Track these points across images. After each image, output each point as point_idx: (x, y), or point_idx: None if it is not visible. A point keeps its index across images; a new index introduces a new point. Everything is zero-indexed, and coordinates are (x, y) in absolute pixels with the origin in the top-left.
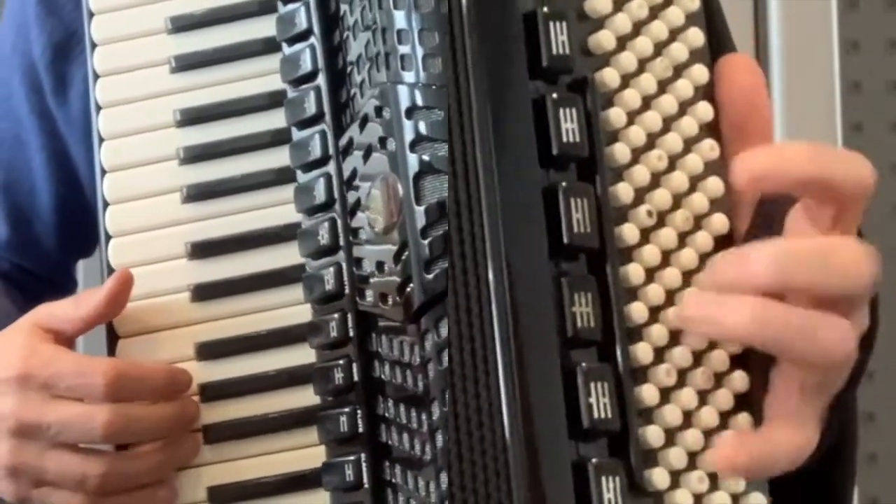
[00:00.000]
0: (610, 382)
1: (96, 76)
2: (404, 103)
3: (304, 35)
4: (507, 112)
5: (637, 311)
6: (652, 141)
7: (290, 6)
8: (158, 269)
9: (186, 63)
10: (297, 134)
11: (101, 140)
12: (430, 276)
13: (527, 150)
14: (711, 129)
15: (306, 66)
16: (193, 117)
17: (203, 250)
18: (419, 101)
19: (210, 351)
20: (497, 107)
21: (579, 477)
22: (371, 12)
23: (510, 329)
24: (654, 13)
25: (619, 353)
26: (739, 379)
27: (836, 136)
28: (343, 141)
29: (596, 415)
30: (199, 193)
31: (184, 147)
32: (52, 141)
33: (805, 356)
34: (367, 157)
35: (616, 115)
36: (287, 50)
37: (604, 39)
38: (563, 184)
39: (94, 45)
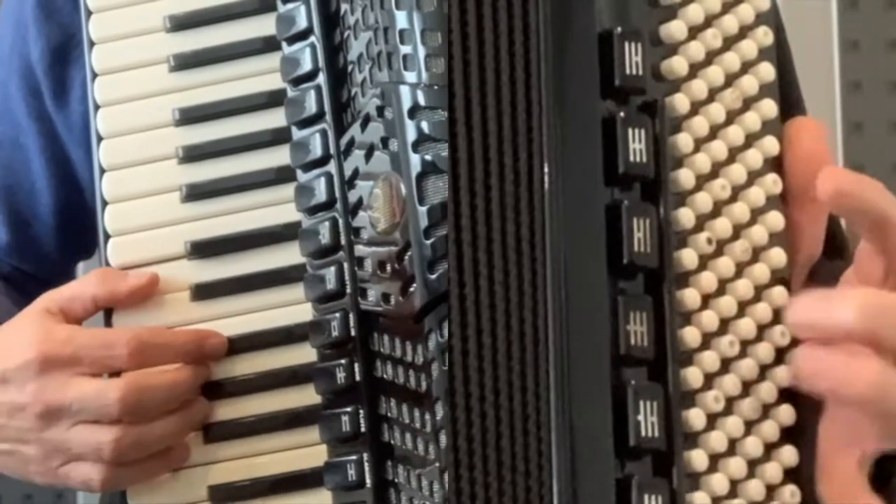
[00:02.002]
0: (659, 402)
1: (94, 75)
2: (406, 103)
3: (304, 34)
4: (576, 128)
5: (690, 335)
6: (716, 170)
7: (290, 5)
8: (158, 269)
9: (185, 62)
10: (297, 133)
11: (100, 139)
12: (434, 277)
13: (593, 166)
14: (776, 165)
15: (307, 65)
16: (192, 116)
17: (203, 249)
18: (422, 102)
19: None
20: (567, 123)
21: (622, 494)
22: (372, 12)
23: (564, 340)
24: (728, 44)
25: (670, 374)
26: (786, 412)
27: (836, 136)
28: (344, 140)
29: (643, 433)
30: (199, 192)
31: (183, 146)
32: (52, 144)
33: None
34: (368, 156)
35: (684, 141)
36: (287, 49)
37: (676, 65)
38: (627, 202)
39: (92, 44)
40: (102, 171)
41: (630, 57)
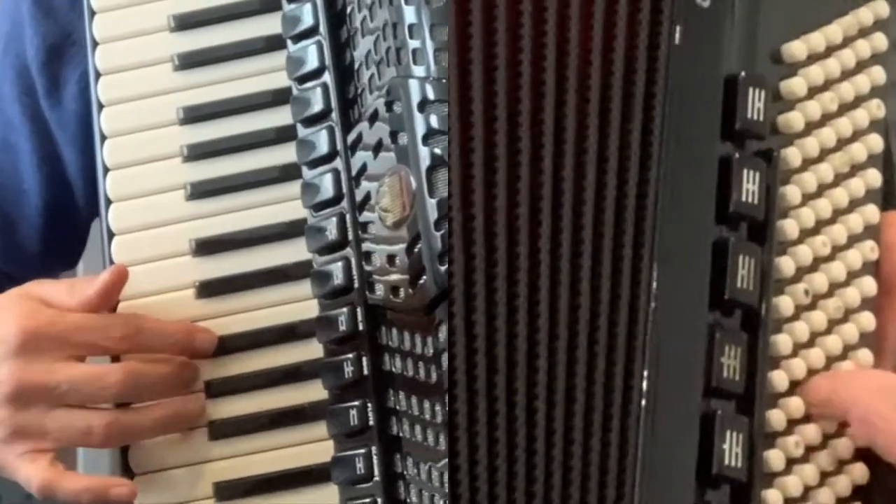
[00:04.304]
0: (745, 435)
1: (98, 74)
2: (416, 97)
3: (310, 32)
4: (693, 164)
5: (779, 379)
6: (819, 227)
7: (296, 3)
8: (163, 266)
9: (189, 61)
10: (302, 131)
11: (104, 138)
12: (444, 269)
13: (705, 201)
14: (874, 233)
15: (313, 62)
16: (196, 115)
17: (208, 247)
18: (431, 95)
19: (216, 347)
20: (684, 158)
21: None
22: (381, 9)
23: (657, 365)
24: (843, 110)
25: (756, 411)
26: (860, 471)
27: None
28: (352, 137)
29: (726, 461)
30: (203, 190)
31: (187, 145)
32: (44, 144)
33: None
34: (377, 152)
35: (792, 193)
36: (292, 47)
37: (794, 120)
38: (733, 239)
39: (95, 44)
40: (106, 169)
41: (753, 102)
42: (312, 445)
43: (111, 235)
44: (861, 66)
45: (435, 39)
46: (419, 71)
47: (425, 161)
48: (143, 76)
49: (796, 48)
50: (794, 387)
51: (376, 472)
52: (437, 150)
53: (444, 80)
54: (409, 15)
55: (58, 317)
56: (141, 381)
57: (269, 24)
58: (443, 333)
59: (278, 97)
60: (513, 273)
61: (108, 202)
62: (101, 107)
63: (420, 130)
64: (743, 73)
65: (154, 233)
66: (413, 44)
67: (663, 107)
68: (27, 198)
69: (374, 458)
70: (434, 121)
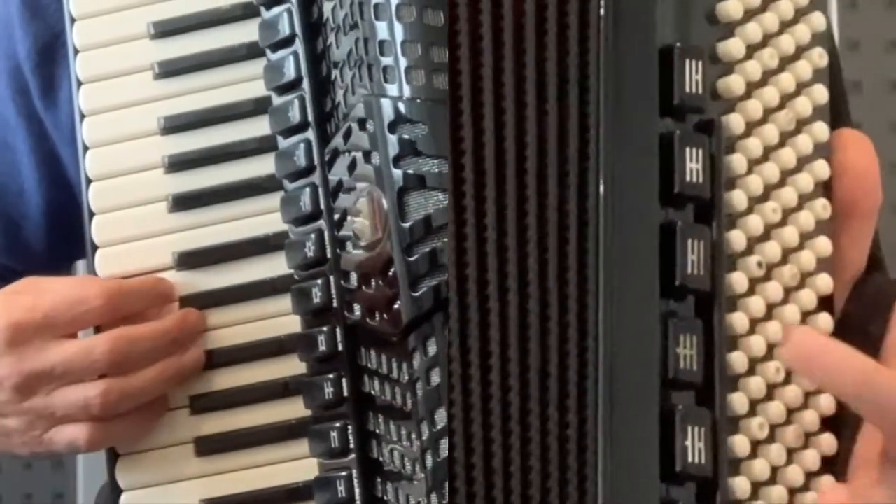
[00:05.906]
0: (707, 428)
1: (79, 83)
2: (388, 117)
3: (287, 41)
4: (633, 145)
5: (738, 360)
6: (768, 192)
7: (274, 11)
8: None
9: (170, 69)
10: (282, 142)
11: (86, 148)
12: (418, 294)
13: (648, 185)
14: (826, 189)
15: (290, 73)
16: (178, 124)
17: (191, 260)
18: (403, 115)
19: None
20: (623, 139)
21: None
22: (353, 20)
23: (612, 360)
24: (783, 65)
25: (717, 400)
26: (827, 441)
27: None
28: (328, 150)
29: (690, 459)
30: (186, 202)
31: (169, 155)
32: (41, 143)
33: None
34: (352, 168)
35: (738, 162)
36: (271, 56)
37: (734, 84)
38: (681, 223)
39: (76, 51)
40: (89, 181)
41: (690, 75)
42: (301, 462)
43: (94, 248)
44: (800, 13)
45: (407, 56)
46: (391, 89)
47: (397, 183)
48: (124, 84)
49: (732, 7)
50: (754, 366)
51: (357, 495)
52: (410, 172)
53: (417, 101)
54: (381, 31)
55: (34, 302)
56: (132, 345)
57: (251, 31)
58: (417, 360)
59: (260, 106)
60: (463, 282)
61: (92, 214)
62: (82, 116)
63: (392, 151)
64: (678, 44)
65: (136, 245)
66: (385, 61)
67: (597, 88)
68: (28, 198)
69: (355, 481)
70: (406, 142)
